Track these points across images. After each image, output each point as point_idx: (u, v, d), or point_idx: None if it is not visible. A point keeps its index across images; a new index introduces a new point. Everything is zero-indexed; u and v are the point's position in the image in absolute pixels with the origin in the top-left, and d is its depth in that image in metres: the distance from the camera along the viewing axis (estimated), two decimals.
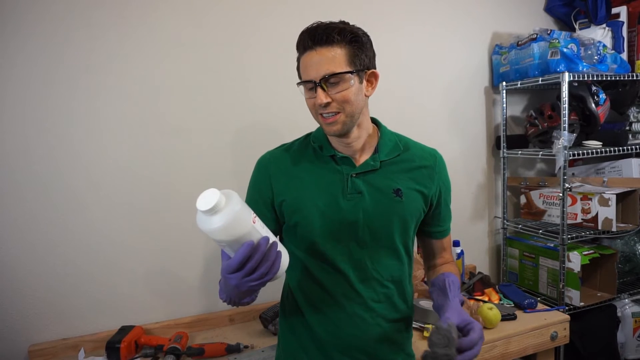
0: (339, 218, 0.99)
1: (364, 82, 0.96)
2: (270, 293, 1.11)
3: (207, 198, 0.71)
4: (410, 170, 1.03)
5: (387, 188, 0.99)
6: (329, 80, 0.91)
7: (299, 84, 0.96)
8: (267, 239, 0.77)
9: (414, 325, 1.49)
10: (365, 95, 0.98)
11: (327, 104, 0.92)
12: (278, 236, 1.09)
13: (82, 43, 1.44)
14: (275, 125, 1.69)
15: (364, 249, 1.00)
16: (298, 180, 1.01)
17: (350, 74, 0.92)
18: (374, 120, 1.08)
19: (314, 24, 0.94)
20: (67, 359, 1.42)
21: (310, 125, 1.07)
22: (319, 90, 0.91)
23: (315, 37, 0.90)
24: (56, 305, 1.46)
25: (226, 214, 0.71)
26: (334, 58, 0.90)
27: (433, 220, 1.09)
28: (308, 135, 1.09)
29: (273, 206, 1.03)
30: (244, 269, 0.76)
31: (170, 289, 1.61)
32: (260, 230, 0.77)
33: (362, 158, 1.02)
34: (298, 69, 0.98)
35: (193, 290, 1.65)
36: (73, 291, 1.48)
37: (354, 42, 0.92)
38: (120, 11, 1.48)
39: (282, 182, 1.02)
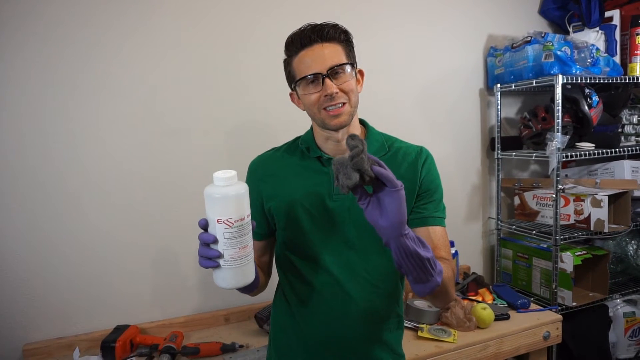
0: (326, 219, 1.00)
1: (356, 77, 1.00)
2: (265, 293, 1.12)
3: (227, 172, 0.81)
4: (395, 168, 1.01)
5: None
6: (335, 71, 0.93)
7: (298, 80, 0.95)
8: (213, 237, 0.80)
9: (408, 325, 1.52)
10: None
11: (336, 94, 0.93)
12: (271, 238, 1.10)
13: (80, 44, 1.44)
14: (271, 126, 1.69)
15: (352, 249, 1.00)
16: (286, 183, 1.03)
17: (351, 66, 0.96)
18: (362, 121, 1.09)
19: (304, 25, 0.96)
20: (62, 358, 1.42)
21: (305, 125, 1.08)
22: (327, 81, 0.92)
23: (317, 32, 0.93)
24: (51, 304, 1.46)
25: (241, 187, 0.81)
26: (336, 51, 0.95)
27: (413, 209, 1.02)
28: (297, 138, 1.10)
29: (263, 210, 1.05)
30: (199, 237, 0.82)
31: (166, 289, 1.61)
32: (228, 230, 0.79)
33: None
34: (290, 70, 0.98)
35: (188, 290, 1.65)
36: (68, 290, 1.48)
37: (346, 39, 0.97)
38: (119, 12, 1.48)
39: (270, 185, 1.04)
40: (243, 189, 0.81)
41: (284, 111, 1.62)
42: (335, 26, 0.95)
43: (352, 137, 0.74)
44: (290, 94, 1.04)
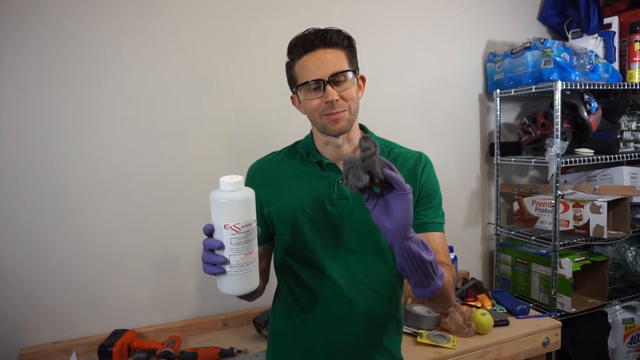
0: (326, 224, 0.99)
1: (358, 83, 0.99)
2: (264, 298, 1.11)
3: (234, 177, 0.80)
4: None
5: None
6: (337, 78, 0.93)
7: (300, 85, 0.95)
8: (219, 243, 0.79)
9: (407, 331, 1.51)
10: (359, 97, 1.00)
11: (336, 102, 0.93)
12: (269, 243, 1.09)
13: (79, 46, 1.44)
14: (270, 130, 1.69)
15: (351, 255, 1.00)
16: (285, 187, 1.02)
17: (353, 73, 0.96)
18: (362, 127, 1.08)
19: (308, 29, 0.96)
20: None
21: (305, 130, 1.08)
22: (329, 87, 0.92)
23: (320, 38, 0.93)
24: (48, 308, 1.45)
25: (248, 192, 0.81)
26: (338, 58, 0.94)
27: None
28: (297, 143, 1.10)
29: (263, 214, 1.04)
30: (205, 243, 0.81)
31: (164, 292, 1.61)
32: (235, 236, 0.79)
33: None
34: (292, 74, 0.98)
35: (187, 294, 1.64)
36: (66, 292, 1.47)
37: (349, 45, 0.97)
38: (119, 12, 1.48)
39: (270, 189, 1.03)
40: (250, 194, 0.81)
41: (283, 115, 1.63)
42: (339, 32, 0.95)
43: (365, 138, 0.75)
44: (291, 97, 1.03)
